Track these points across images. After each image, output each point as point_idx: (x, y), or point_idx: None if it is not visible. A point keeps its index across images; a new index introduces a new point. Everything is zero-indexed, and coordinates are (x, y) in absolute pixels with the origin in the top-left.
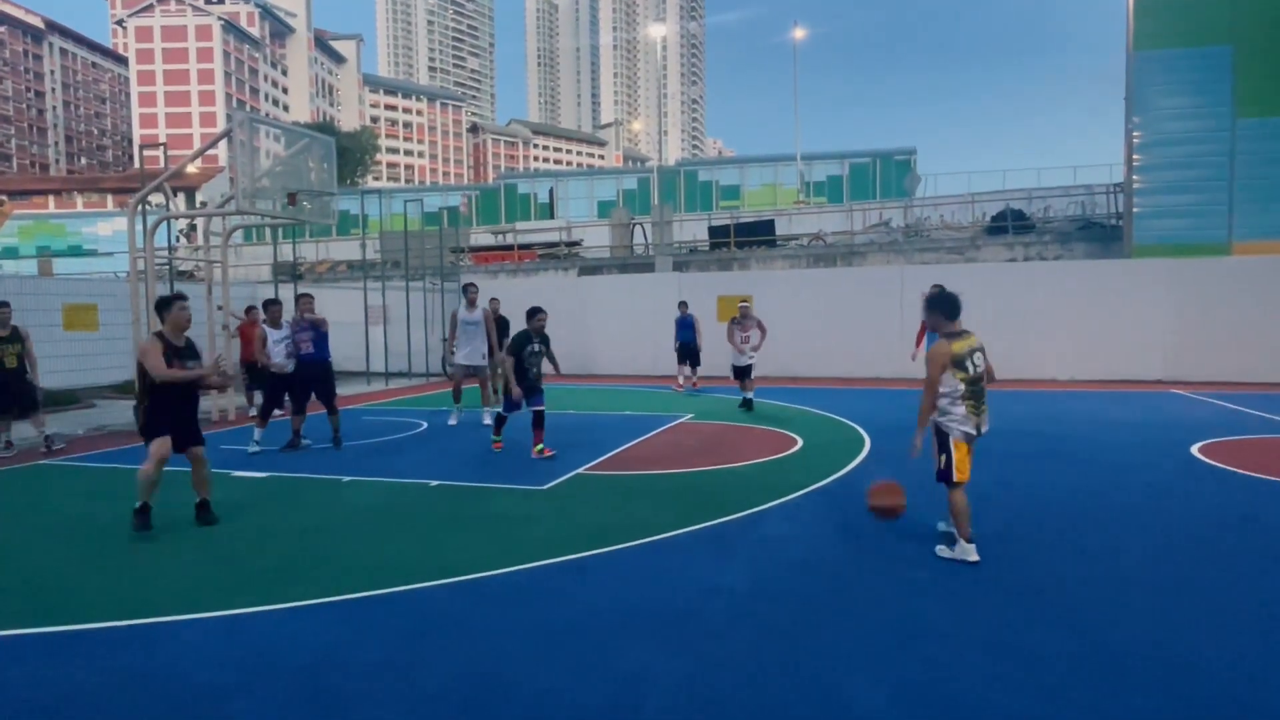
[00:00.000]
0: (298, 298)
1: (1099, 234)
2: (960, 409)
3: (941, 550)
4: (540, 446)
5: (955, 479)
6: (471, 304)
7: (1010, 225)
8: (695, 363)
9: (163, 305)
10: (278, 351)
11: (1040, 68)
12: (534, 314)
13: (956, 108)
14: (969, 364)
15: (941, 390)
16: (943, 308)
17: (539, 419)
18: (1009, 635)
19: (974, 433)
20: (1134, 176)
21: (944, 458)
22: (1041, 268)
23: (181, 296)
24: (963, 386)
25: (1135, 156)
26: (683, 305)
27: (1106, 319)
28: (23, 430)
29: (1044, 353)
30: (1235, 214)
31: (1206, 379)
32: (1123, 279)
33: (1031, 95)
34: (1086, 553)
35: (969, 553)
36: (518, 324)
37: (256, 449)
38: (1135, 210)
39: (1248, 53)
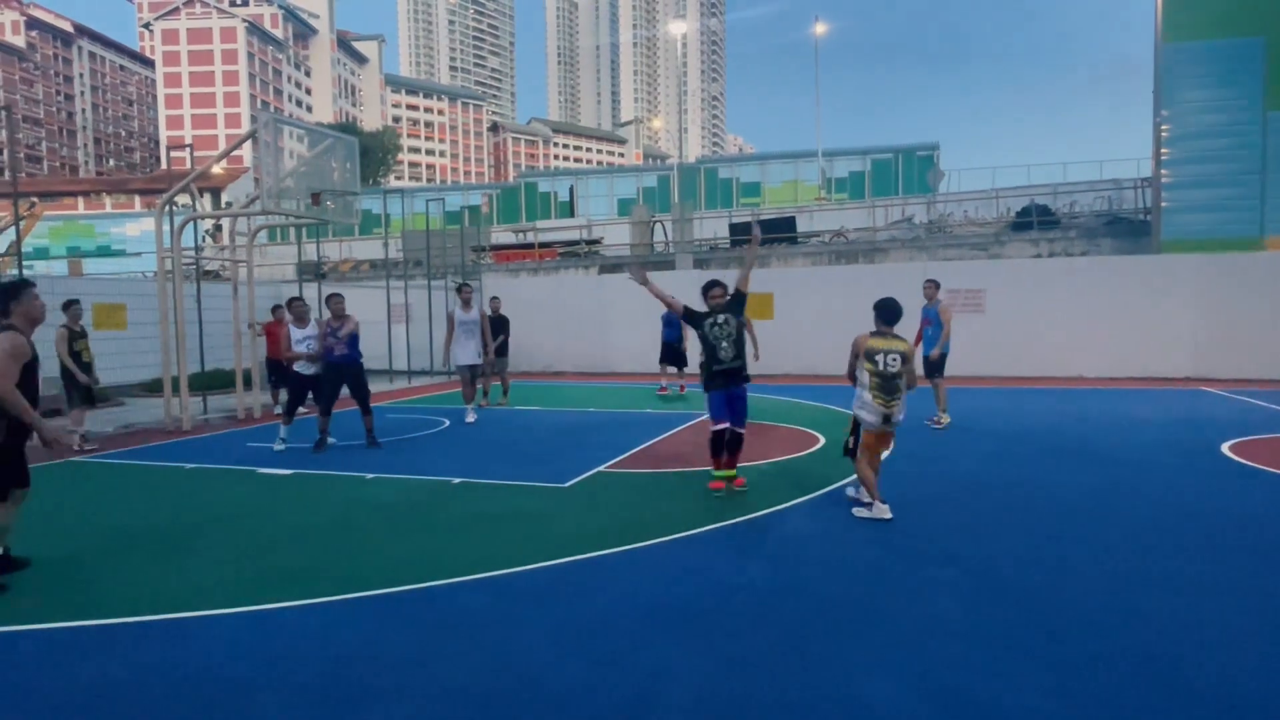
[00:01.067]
0: (328, 297)
1: (1127, 229)
2: (867, 397)
3: (859, 511)
4: (731, 473)
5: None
6: (467, 304)
7: (1035, 221)
8: (682, 364)
9: (10, 294)
10: (300, 350)
11: (1066, 61)
12: (710, 288)
13: (980, 102)
14: (880, 359)
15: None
16: (879, 312)
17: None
18: (1033, 636)
19: (876, 420)
20: (1162, 171)
21: (852, 439)
22: (1067, 264)
23: (30, 283)
24: (868, 378)
25: (1164, 150)
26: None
27: (1134, 316)
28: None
29: (1070, 350)
30: (1267, 208)
31: (1237, 376)
32: (1151, 275)
33: (1057, 89)
34: (1114, 553)
35: (883, 511)
36: (520, 322)
37: (282, 446)
38: (1164, 205)
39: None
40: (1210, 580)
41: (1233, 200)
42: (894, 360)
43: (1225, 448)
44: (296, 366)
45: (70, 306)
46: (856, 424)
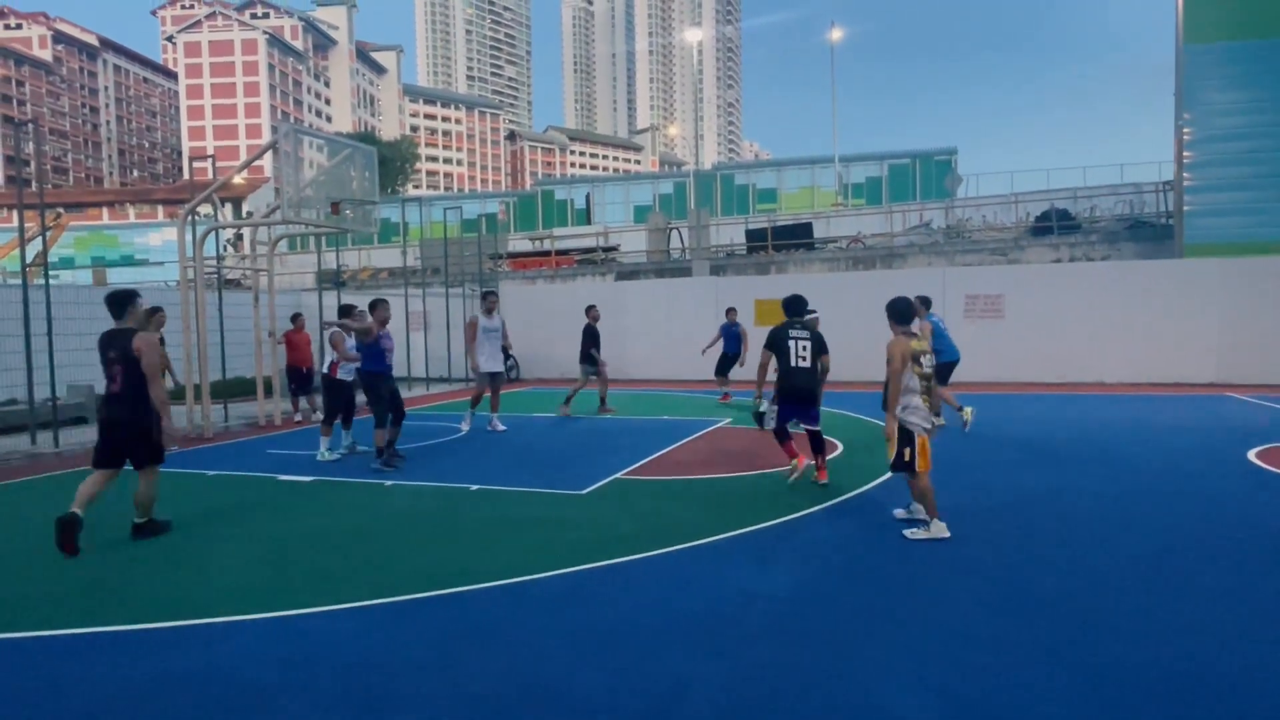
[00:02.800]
0: (377, 303)
1: (1148, 233)
2: (918, 401)
3: (914, 533)
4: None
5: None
6: (490, 311)
7: (1055, 225)
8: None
9: (127, 300)
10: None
11: (1086, 64)
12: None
13: (999, 106)
14: (924, 361)
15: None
16: (899, 313)
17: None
18: (1057, 645)
19: (927, 425)
20: (1185, 174)
21: (908, 451)
22: (1088, 269)
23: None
24: (918, 382)
25: (1186, 153)
26: (730, 312)
27: (1157, 320)
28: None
29: (1092, 356)
30: None
31: (1262, 382)
32: (1174, 279)
33: (1077, 92)
34: (1138, 561)
35: (941, 530)
36: (536, 330)
37: (334, 456)
38: (1186, 208)
39: None
40: (1237, 589)
41: (1257, 203)
42: (931, 360)
43: (1251, 455)
44: (340, 374)
45: (155, 314)
46: (908, 435)
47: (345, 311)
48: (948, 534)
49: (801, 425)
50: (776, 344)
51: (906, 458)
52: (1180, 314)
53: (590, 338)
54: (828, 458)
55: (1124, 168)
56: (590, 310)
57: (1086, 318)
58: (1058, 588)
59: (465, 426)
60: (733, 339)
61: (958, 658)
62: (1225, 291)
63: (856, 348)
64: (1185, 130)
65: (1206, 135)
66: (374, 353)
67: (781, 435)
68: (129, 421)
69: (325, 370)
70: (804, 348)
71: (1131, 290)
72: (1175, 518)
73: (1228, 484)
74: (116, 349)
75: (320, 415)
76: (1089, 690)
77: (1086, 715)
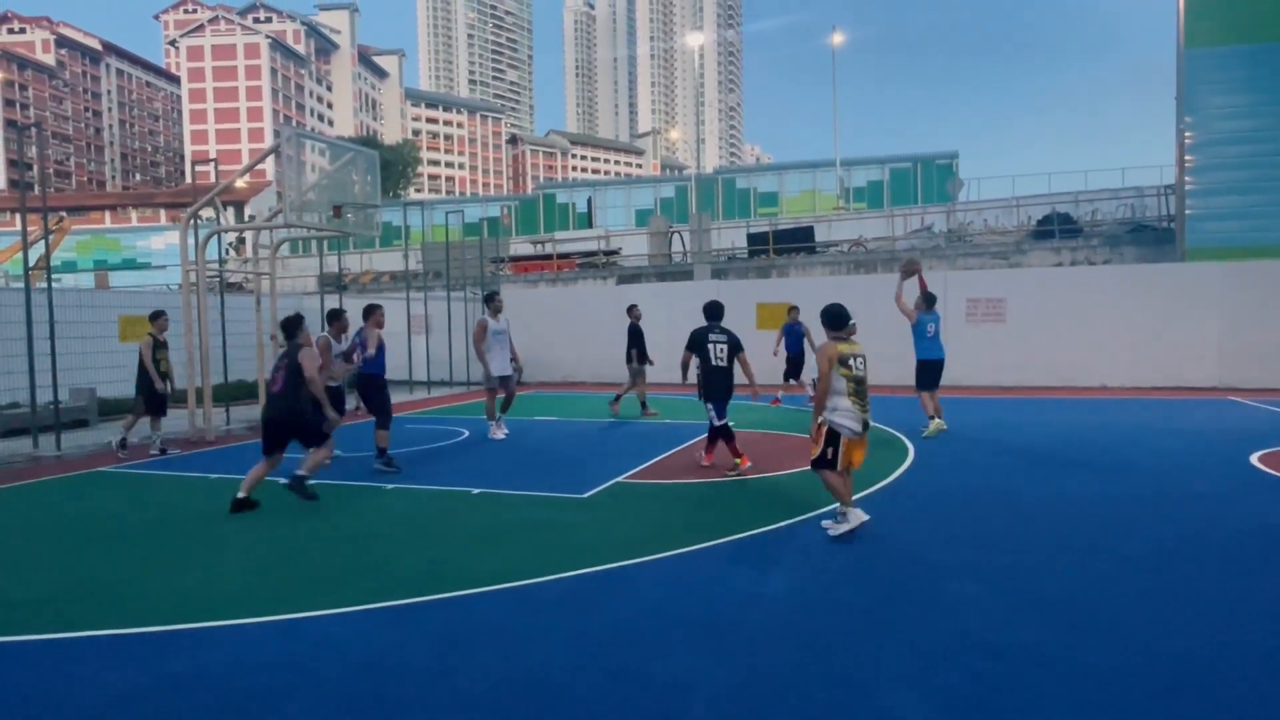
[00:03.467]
0: (374, 307)
1: (1150, 237)
2: (846, 403)
3: (831, 527)
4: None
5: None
6: (497, 314)
7: (1057, 229)
8: (797, 375)
9: (297, 323)
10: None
11: (1087, 68)
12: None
13: (1000, 110)
14: (853, 363)
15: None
16: (831, 319)
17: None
18: (1058, 649)
19: (856, 427)
20: (1186, 178)
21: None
22: (1090, 272)
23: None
24: (844, 384)
25: (1187, 157)
26: (793, 311)
27: (1159, 324)
28: (84, 436)
29: (1094, 360)
30: None
31: (1264, 386)
32: (1175, 283)
33: (1078, 96)
34: (1140, 565)
35: (859, 515)
36: (538, 333)
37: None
38: (1188, 212)
39: None
40: (1239, 592)
41: (1258, 207)
42: (862, 363)
43: (1254, 458)
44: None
45: (158, 318)
46: (831, 434)
47: (334, 316)
48: (866, 516)
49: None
50: (697, 346)
51: (829, 456)
52: (1181, 318)
53: (633, 337)
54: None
55: (1125, 171)
56: (631, 310)
57: (1088, 321)
58: (1059, 591)
59: (500, 434)
60: (796, 338)
61: (960, 661)
62: (1226, 295)
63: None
64: (1186, 134)
65: (1208, 139)
66: (378, 358)
67: (725, 433)
68: (288, 414)
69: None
70: (721, 349)
71: (1133, 294)
72: (1177, 521)
73: (1230, 488)
74: (287, 359)
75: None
76: (1090, 694)
77: (1088, 719)
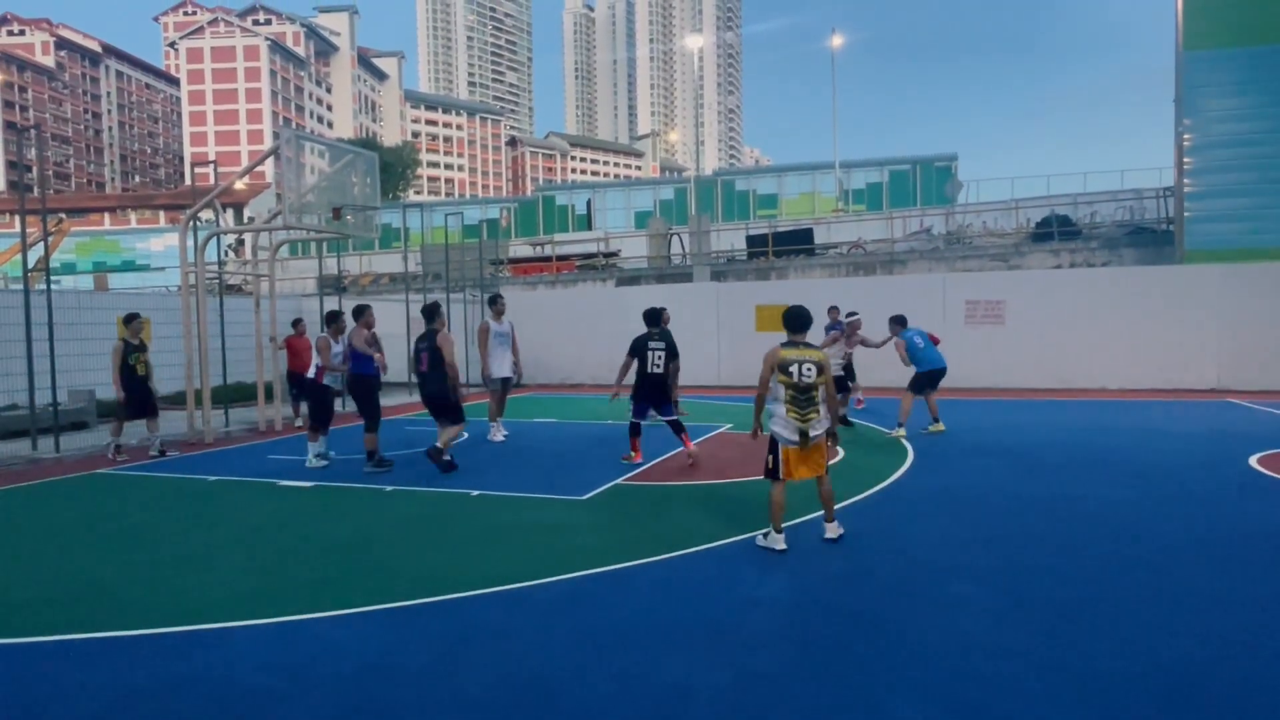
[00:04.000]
0: (363, 308)
1: (1149, 239)
2: (781, 411)
3: (760, 540)
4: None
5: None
6: (500, 315)
7: (1056, 231)
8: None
9: (436, 310)
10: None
11: (1086, 70)
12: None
13: (999, 112)
14: (794, 370)
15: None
16: (786, 322)
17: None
18: (1059, 652)
19: (793, 437)
20: (1185, 180)
21: (771, 459)
22: (1089, 274)
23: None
24: (782, 391)
25: (1186, 160)
26: (833, 311)
27: (1158, 327)
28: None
29: (1093, 362)
30: None
31: (1263, 388)
32: (1174, 286)
33: (1077, 98)
34: (1143, 567)
35: (777, 541)
36: (538, 335)
37: (324, 463)
38: (1187, 215)
39: None
40: (1242, 596)
41: (1257, 210)
42: (809, 370)
43: (1253, 460)
44: (325, 380)
45: (132, 321)
46: (773, 443)
47: (332, 318)
48: (782, 547)
49: (661, 419)
50: (638, 351)
51: (769, 465)
52: (1181, 320)
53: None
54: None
55: (1124, 174)
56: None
57: (1087, 324)
58: (1059, 594)
59: (499, 436)
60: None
61: (961, 664)
62: (1225, 298)
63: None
64: (1185, 136)
65: (1206, 141)
66: (363, 356)
67: (633, 430)
68: (435, 391)
69: (311, 375)
70: (659, 356)
71: (1132, 296)
72: (1177, 523)
73: (1229, 490)
74: (427, 342)
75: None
76: (1090, 696)
77: None
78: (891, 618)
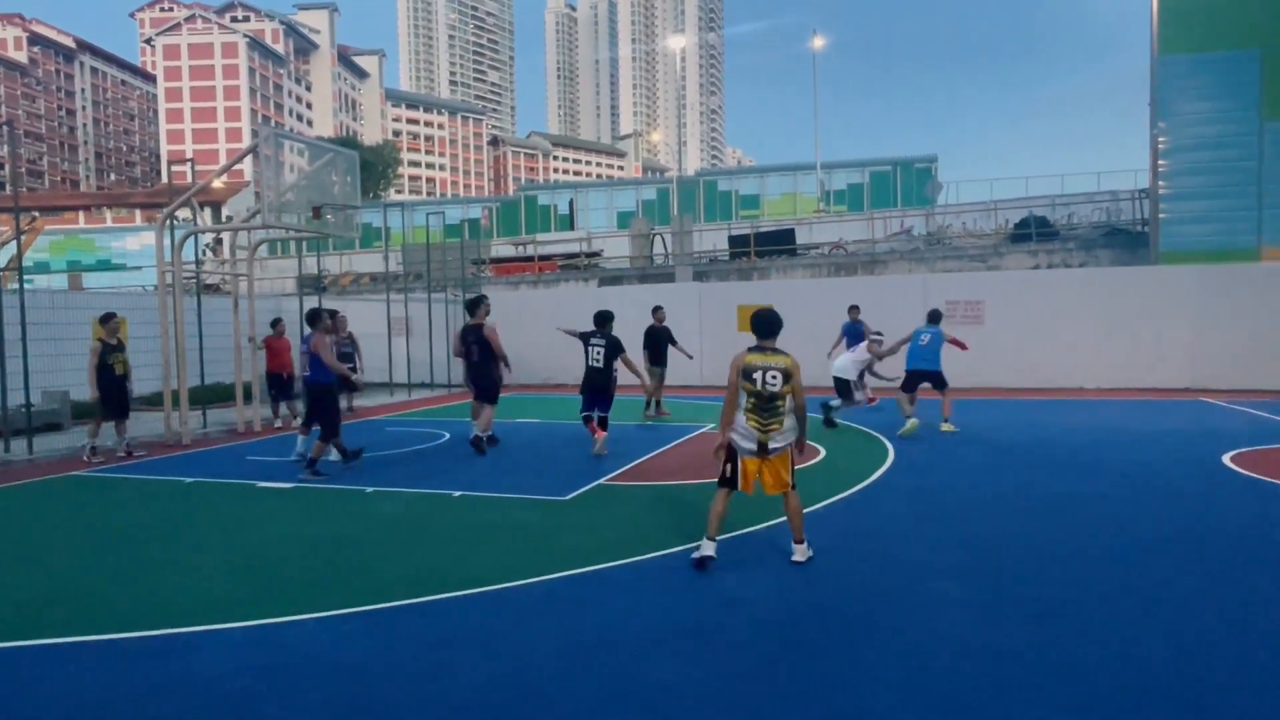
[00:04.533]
0: (335, 313)
1: (1125, 240)
2: (741, 419)
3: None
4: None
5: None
6: (485, 317)
7: (1034, 232)
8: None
9: (477, 301)
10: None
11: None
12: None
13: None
14: (758, 377)
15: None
16: (753, 326)
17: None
18: (1040, 650)
19: (750, 447)
20: (1160, 182)
21: (729, 467)
22: (1066, 275)
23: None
24: (744, 399)
25: (1161, 162)
26: (853, 310)
27: (1133, 327)
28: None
29: (1070, 362)
30: (1264, 219)
31: (1235, 387)
32: (1149, 286)
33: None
34: (1118, 563)
35: (708, 549)
36: (519, 335)
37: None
38: (1161, 216)
39: (1276, 55)
40: (1216, 591)
41: (1230, 211)
42: (774, 378)
43: (1226, 459)
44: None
45: (108, 320)
46: (733, 451)
47: (315, 316)
48: (710, 554)
49: (595, 413)
50: (583, 343)
51: (727, 474)
52: (1156, 320)
53: (648, 339)
54: (811, 463)
55: (1101, 176)
56: (656, 311)
57: (1065, 324)
58: (1043, 593)
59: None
60: (857, 337)
61: (943, 664)
62: (1199, 298)
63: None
64: (1160, 139)
65: (1181, 144)
66: (322, 364)
67: (586, 419)
68: (482, 377)
69: (310, 375)
70: (598, 352)
71: (1108, 297)
72: (1155, 522)
73: (1203, 488)
74: (474, 334)
75: (299, 421)
76: (1071, 692)
77: (1069, 717)
78: (874, 616)
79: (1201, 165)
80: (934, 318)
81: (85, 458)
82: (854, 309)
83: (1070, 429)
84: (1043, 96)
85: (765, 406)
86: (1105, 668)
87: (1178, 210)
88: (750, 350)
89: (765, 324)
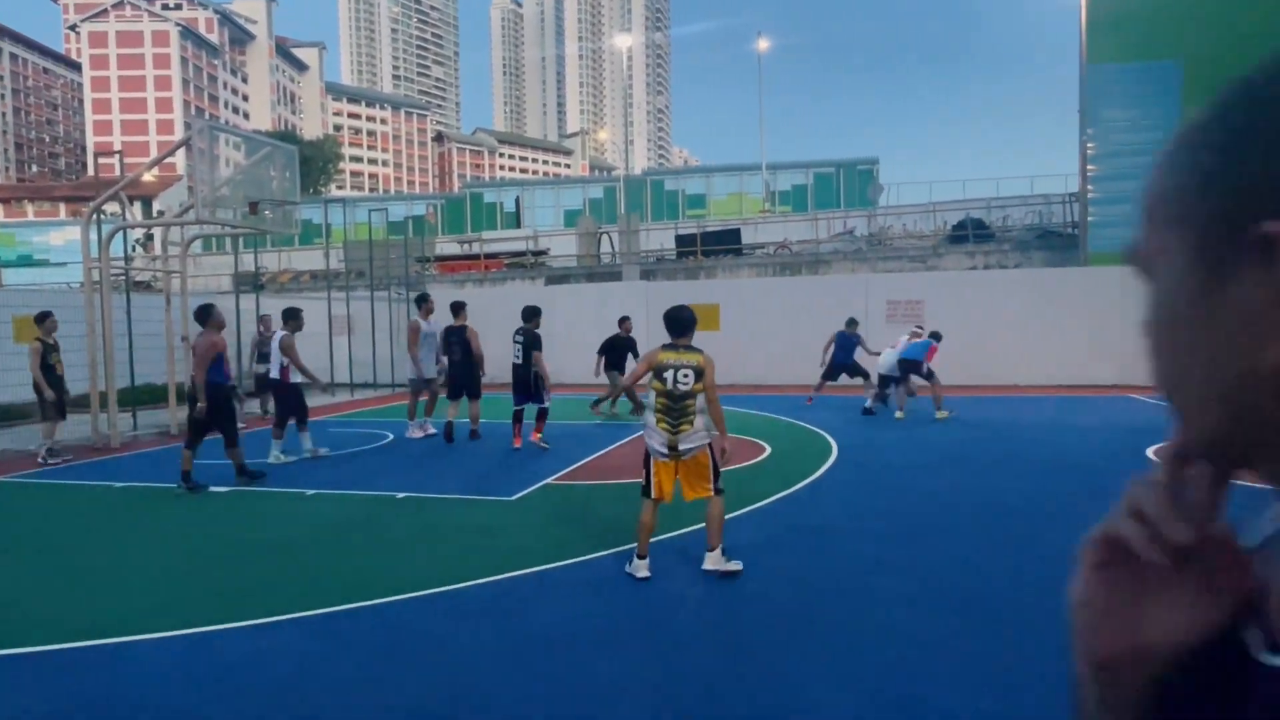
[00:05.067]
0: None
1: (1056, 242)
2: (651, 420)
3: (629, 567)
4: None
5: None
6: (429, 315)
7: (971, 234)
8: (834, 377)
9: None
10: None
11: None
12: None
13: (919, 118)
14: (669, 376)
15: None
16: (666, 322)
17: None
18: (983, 643)
19: (661, 449)
20: (1088, 187)
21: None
22: (1002, 276)
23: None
24: (654, 398)
25: (1089, 167)
26: (852, 323)
27: (1064, 325)
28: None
29: (1004, 358)
30: None
31: None
32: (1079, 287)
33: (991, 106)
34: (1051, 559)
35: (640, 569)
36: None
37: (286, 459)
38: (1090, 219)
39: (1195, 67)
40: None
41: None
42: (685, 376)
43: (1150, 452)
44: (291, 378)
45: (45, 319)
46: (648, 456)
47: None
48: (645, 574)
49: (527, 407)
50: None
51: (644, 480)
52: (1085, 320)
53: (610, 347)
54: (755, 460)
55: (1034, 180)
56: (623, 322)
57: (1000, 322)
58: (981, 587)
59: (420, 433)
60: (849, 349)
61: (890, 657)
62: (1126, 299)
63: (781, 351)
64: (1088, 145)
65: (1108, 150)
66: (219, 366)
67: (516, 418)
68: (466, 375)
69: (277, 375)
70: (518, 350)
71: (1041, 297)
72: (1081, 514)
73: (1129, 480)
74: (456, 335)
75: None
76: (1021, 686)
77: (1020, 712)
78: (821, 613)
79: (1127, 171)
80: (851, 324)
81: (40, 460)
82: (853, 322)
83: (1004, 425)
84: (981, 103)
85: (675, 406)
86: (1037, 657)
87: (1105, 214)
88: (664, 348)
89: (678, 321)
